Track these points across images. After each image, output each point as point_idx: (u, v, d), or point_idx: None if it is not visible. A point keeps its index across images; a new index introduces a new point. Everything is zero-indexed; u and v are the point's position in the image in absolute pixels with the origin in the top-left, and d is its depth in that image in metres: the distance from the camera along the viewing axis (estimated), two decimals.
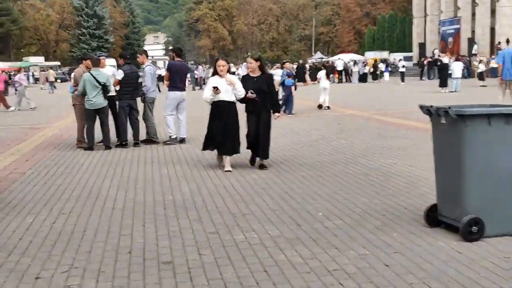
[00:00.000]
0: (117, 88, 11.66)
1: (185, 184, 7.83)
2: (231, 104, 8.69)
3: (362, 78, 44.13)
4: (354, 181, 7.81)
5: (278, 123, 14.42)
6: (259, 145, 8.68)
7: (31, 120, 18.97)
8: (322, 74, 20.59)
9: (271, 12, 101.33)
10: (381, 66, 44.93)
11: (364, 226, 5.59)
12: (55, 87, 43.95)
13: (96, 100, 11.27)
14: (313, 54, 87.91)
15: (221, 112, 8.62)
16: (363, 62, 47.64)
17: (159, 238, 5.33)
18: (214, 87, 8.46)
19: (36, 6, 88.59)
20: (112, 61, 55.80)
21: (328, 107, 19.89)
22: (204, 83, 43.26)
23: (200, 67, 44.29)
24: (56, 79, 48.42)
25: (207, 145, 8.98)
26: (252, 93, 8.56)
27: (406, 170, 8.41)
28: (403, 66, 40.73)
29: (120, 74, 11.61)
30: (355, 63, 46.31)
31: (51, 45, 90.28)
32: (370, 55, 62.46)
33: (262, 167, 8.72)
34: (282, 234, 5.37)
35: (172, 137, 12.17)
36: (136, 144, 11.80)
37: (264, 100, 8.67)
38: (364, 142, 11.62)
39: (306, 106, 21.04)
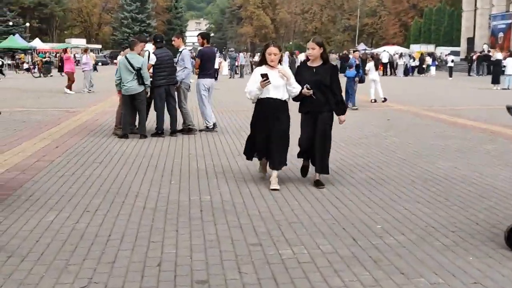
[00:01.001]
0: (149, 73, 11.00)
1: (224, 182, 7.11)
2: (283, 104, 6.82)
3: (407, 71, 42.79)
4: (412, 186, 6.98)
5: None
6: (316, 155, 6.92)
7: (68, 103, 18.55)
8: (370, 65, 19.57)
9: (315, 1, 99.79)
10: (428, 60, 43.46)
11: (431, 245, 4.78)
12: (96, 69, 43.92)
13: (131, 85, 10.65)
14: (356, 45, 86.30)
15: (269, 113, 6.76)
16: (410, 55, 46.19)
17: (194, 248, 4.62)
18: (263, 75, 6.53)
19: None
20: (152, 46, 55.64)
21: (385, 99, 18.87)
22: (244, 71, 42.65)
23: (241, 54, 43.56)
24: (96, 62, 48.46)
25: (249, 153, 7.21)
26: (308, 88, 6.72)
27: (471, 177, 7.52)
28: (452, 61, 39.23)
29: (152, 59, 10.94)
30: (400, 55, 44.89)
31: (94, 28, 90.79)
32: (416, 48, 60.85)
33: (318, 184, 6.87)
34: (336, 251, 4.60)
35: (209, 127, 11.68)
36: (173, 133, 11.15)
37: (327, 97, 6.84)
38: (417, 141, 10.73)
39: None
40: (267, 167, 7.06)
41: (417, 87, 29.70)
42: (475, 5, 59.45)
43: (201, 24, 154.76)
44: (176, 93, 11.35)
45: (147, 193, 6.44)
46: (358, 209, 5.90)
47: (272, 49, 6.72)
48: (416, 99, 20.95)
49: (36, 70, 39.44)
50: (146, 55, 10.94)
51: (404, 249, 4.67)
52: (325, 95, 6.86)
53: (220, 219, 5.45)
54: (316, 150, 6.91)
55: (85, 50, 27.86)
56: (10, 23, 69.72)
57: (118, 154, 9.05)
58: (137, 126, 11.12)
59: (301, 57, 37.82)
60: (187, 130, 11.56)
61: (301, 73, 7.01)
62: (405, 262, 4.36)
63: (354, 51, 18.53)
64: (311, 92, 6.74)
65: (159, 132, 11.08)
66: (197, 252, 4.53)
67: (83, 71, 24.44)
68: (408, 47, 67.94)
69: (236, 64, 40.39)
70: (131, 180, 7.13)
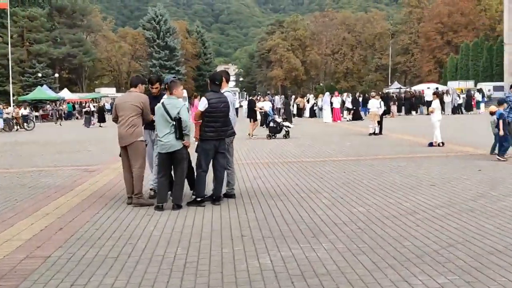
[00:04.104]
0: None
1: None
2: None
3: (455, 109, 39.81)
4: None
5: (384, 166, 10.94)
6: None
7: (90, 158, 16.14)
8: (436, 104, 16.91)
9: (345, 41, 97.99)
10: (477, 96, 40.45)
11: None
12: None
13: (167, 140, 8.11)
14: (389, 84, 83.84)
15: None
16: (457, 93, 43.22)
17: None
18: None
19: (109, 38, 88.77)
20: (183, 93, 53.67)
21: (443, 143, 16.26)
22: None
23: (276, 97, 41.32)
24: None
25: None
26: None
27: None
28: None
29: (202, 104, 8.40)
30: (447, 92, 41.96)
31: (123, 77, 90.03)
32: (454, 85, 57.94)
33: None
34: None
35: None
36: (216, 200, 8.51)
37: None
38: None
39: (407, 143, 17.45)
40: None
41: (476, 126, 26.69)
42: None
43: (230, 69, 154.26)
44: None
45: None
46: None
47: None
48: (489, 141, 18.01)
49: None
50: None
51: None
52: None
53: None
54: None
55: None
56: (39, 75, 68.97)
57: (142, 239, 6.42)
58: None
59: (338, 99, 35.25)
60: (228, 195, 8.98)
61: None
62: None
63: None
64: None
65: (197, 199, 8.45)
66: None
67: None
68: (444, 84, 65.14)
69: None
70: None
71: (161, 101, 8.30)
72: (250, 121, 23.70)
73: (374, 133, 21.60)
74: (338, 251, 5.66)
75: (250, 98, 27.34)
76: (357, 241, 6.06)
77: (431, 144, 16.47)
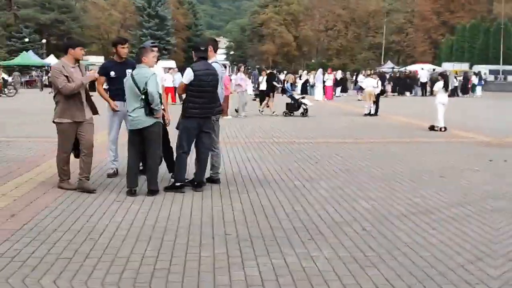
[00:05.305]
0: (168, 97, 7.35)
1: None
2: None
3: (453, 92, 38.80)
4: None
5: (385, 151, 9.53)
6: None
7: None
8: (439, 86, 15.89)
9: (339, 18, 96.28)
10: (474, 79, 39.45)
11: None
12: None
13: (136, 115, 7.01)
14: (382, 63, 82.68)
15: None
16: (454, 75, 42.18)
17: None
18: None
19: (99, 5, 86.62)
20: (171, 63, 51.92)
21: (445, 128, 15.30)
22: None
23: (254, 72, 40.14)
24: None
25: None
26: None
27: None
28: None
29: (188, 76, 7.27)
30: None
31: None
32: (449, 67, 56.95)
33: None
34: None
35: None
36: (198, 186, 7.45)
37: None
38: None
39: (406, 125, 16.46)
40: None
41: (477, 110, 25.71)
42: None
43: (221, 42, 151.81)
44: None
45: None
46: None
47: None
48: (493, 126, 17.05)
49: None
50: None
51: None
52: None
53: None
54: None
55: (238, 69, 24.08)
56: (26, 40, 67.09)
57: (106, 233, 5.36)
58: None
59: (331, 77, 34.05)
60: (212, 180, 7.92)
61: None
62: None
63: None
64: None
65: (176, 184, 7.38)
66: None
67: (237, 92, 21.04)
68: (439, 65, 64.10)
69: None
70: None
71: (132, 71, 7.19)
72: (269, 95, 21.72)
73: (369, 114, 20.58)
74: (342, 261, 4.64)
75: (270, 71, 25.98)
76: (364, 247, 5.04)
77: (432, 128, 15.51)
